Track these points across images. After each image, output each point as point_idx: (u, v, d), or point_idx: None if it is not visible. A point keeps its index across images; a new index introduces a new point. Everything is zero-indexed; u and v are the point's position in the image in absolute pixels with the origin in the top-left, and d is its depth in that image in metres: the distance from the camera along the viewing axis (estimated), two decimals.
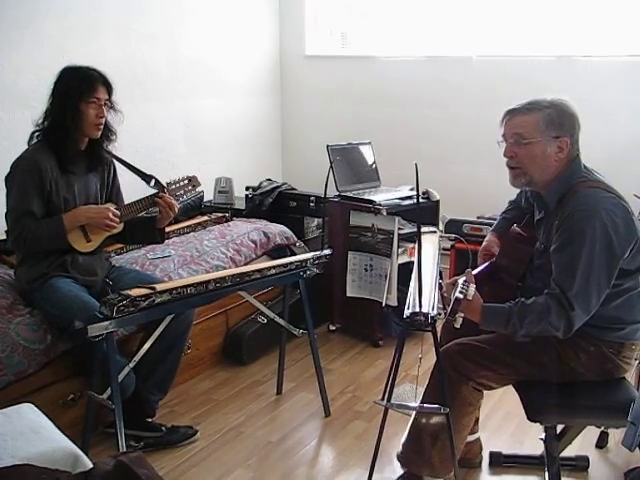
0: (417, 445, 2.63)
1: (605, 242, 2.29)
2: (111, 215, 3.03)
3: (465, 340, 2.58)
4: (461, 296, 2.28)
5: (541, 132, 2.41)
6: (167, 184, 3.20)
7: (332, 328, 4.53)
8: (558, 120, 2.41)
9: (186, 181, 3.27)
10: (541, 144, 2.41)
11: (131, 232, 3.23)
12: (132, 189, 3.37)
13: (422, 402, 2.60)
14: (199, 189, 4.59)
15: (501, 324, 2.40)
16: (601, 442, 3.12)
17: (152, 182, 3.19)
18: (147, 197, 3.16)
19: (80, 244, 3.07)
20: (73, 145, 3.06)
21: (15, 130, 3.85)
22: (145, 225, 3.28)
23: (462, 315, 2.28)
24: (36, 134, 3.06)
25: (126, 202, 3.27)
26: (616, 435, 3.08)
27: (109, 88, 3.06)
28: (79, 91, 2.98)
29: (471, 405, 2.58)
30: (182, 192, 3.25)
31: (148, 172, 3.22)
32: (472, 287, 2.35)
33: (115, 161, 3.29)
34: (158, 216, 3.23)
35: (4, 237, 3.48)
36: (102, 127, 3.07)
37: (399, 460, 2.71)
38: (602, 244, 2.29)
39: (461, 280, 2.39)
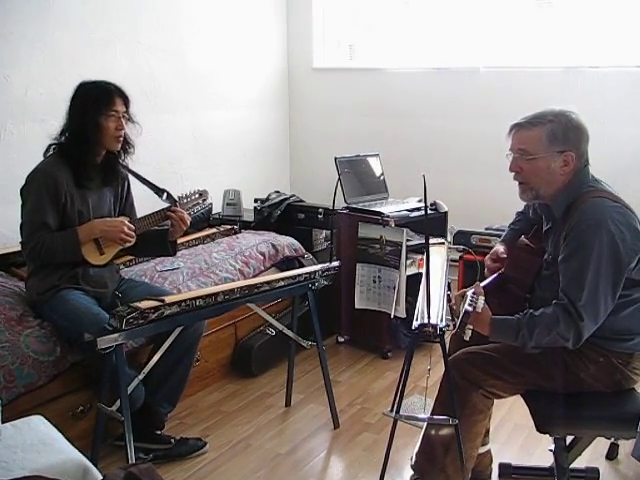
0: (430, 455, 2.63)
1: (612, 251, 2.29)
2: (126, 229, 3.05)
3: (473, 349, 2.57)
4: (470, 308, 2.28)
5: (544, 148, 2.40)
6: (179, 198, 3.22)
7: (341, 340, 4.52)
8: (562, 134, 2.41)
9: (197, 195, 3.30)
10: (545, 160, 2.41)
11: (143, 245, 3.23)
12: (143, 201, 3.39)
13: (432, 413, 2.60)
14: (209, 200, 4.63)
15: (510, 336, 2.39)
16: (611, 454, 3.11)
17: (164, 196, 3.21)
18: (160, 211, 3.18)
19: (93, 257, 3.08)
20: (92, 160, 3.08)
21: (25, 143, 3.88)
22: (157, 238, 3.29)
23: (471, 327, 2.28)
24: (52, 147, 3.08)
25: (138, 215, 3.29)
26: (626, 446, 3.07)
27: (126, 100, 3.09)
28: (97, 105, 3.00)
29: (482, 412, 2.57)
30: (193, 205, 3.27)
31: (157, 185, 3.24)
32: (481, 299, 2.35)
33: (129, 175, 3.31)
34: (170, 229, 3.25)
35: (14, 250, 3.51)
36: (122, 139, 3.09)
37: (413, 469, 2.71)
38: (609, 253, 2.29)
39: (470, 292, 2.39)
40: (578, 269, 2.32)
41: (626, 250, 2.30)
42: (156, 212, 3.18)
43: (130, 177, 3.32)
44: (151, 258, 3.95)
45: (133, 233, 3.08)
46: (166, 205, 3.19)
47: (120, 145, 3.11)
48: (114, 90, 3.05)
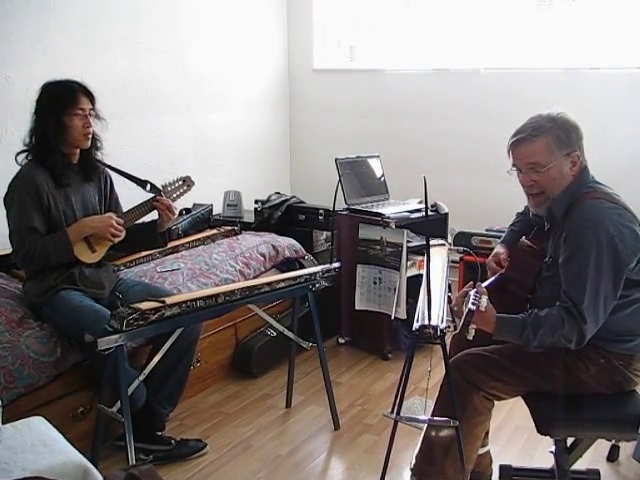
0: (429, 457, 2.62)
1: (612, 252, 2.29)
2: (114, 223, 3.06)
3: (474, 350, 2.57)
4: (474, 307, 2.28)
5: (555, 155, 2.40)
6: (162, 187, 3.23)
7: (341, 341, 4.52)
8: (565, 137, 2.41)
9: (181, 182, 3.30)
10: (557, 166, 2.41)
11: (134, 239, 3.24)
12: (128, 199, 3.39)
13: (432, 415, 2.60)
14: (208, 202, 4.64)
15: (515, 335, 2.40)
16: (612, 455, 3.11)
17: (148, 187, 3.22)
18: (145, 202, 3.20)
19: (85, 255, 3.08)
20: (62, 159, 3.07)
21: None
22: (146, 230, 3.30)
23: (475, 327, 2.28)
24: (24, 154, 3.07)
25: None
26: (627, 448, 3.07)
27: (92, 98, 3.08)
28: (62, 104, 2.99)
29: (482, 414, 2.56)
30: (178, 193, 3.28)
31: (139, 177, 3.24)
32: (484, 298, 2.34)
33: (111, 172, 3.31)
34: (159, 220, 3.26)
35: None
36: (90, 136, 3.08)
37: (412, 472, 2.70)
38: (609, 254, 2.29)
39: (473, 292, 2.39)
40: (578, 271, 2.32)
41: (625, 251, 2.31)
42: (142, 203, 3.20)
43: (113, 174, 3.31)
44: (151, 259, 3.95)
45: (122, 227, 3.09)
46: (151, 196, 3.20)
47: (89, 142, 3.10)
48: (77, 88, 3.05)
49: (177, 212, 3.26)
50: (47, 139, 3.00)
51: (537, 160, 2.42)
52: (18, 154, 3.08)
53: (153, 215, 3.27)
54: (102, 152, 3.23)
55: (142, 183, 3.22)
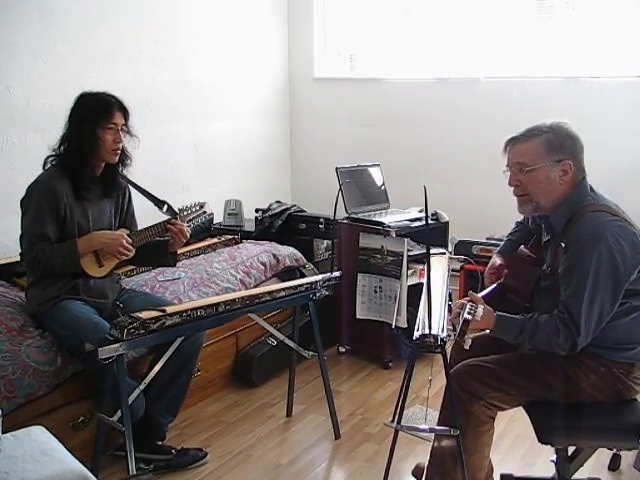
0: (441, 468, 2.61)
1: (611, 266, 2.31)
2: (125, 242, 3.04)
3: (474, 361, 2.57)
4: (470, 317, 2.29)
5: (542, 157, 2.43)
6: (179, 210, 3.21)
7: (342, 350, 4.51)
8: (558, 143, 2.43)
9: (198, 207, 3.28)
10: (544, 169, 2.43)
11: (143, 255, 3.23)
12: (144, 212, 3.40)
13: (437, 424, 2.59)
14: (209, 211, 4.64)
15: (511, 335, 2.44)
16: (613, 465, 3.10)
17: (165, 208, 3.20)
18: (159, 223, 3.18)
19: (92, 269, 3.08)
20: (89, 172, 3.08)
21: (27, 153, 3.88)
22: (157, 248, 3.28)
23: (471, 337, 2.29)
24: (51, 159, 3.08)
25: (139, 226, 3.29)
26: (629, 457, 3.06)
27: (125, 113, 3.09)
28: (96, 117, 3.00)
29: (486, 423, 2.55)
30: (194, 217, 3.26)
31: (158, 194, 3.24)
32: (480, 308, 2.35)
33: (130, 186, 3.30)
34: (170, 241, 3.24)
35: (16, 260, 3.51)
36: (119, 152, 3.09)
37: None
38: (608, 268, 2.30)
39: (468, 303, 2.40)
40: (577, 284, 2.34)
41: (625, 264, 2.32)
42: (156, 225, 3.18)
43: (131, 188, 3.32)
44: (152, 268, 3.95)
45: (131, 247, 3.08)
46: (166, 217, 3.19)
47: (117, 158, 3.11)
48: (113, 102, 3.06)
49: (189, 236, 3.23)
50: (79, 150, 3.01)
51: (524, 160, 2.45)
52: (47, 159, 3.08)
53: None
54: (129, 169, 3.24)
55: (160, 203, 3.20)
